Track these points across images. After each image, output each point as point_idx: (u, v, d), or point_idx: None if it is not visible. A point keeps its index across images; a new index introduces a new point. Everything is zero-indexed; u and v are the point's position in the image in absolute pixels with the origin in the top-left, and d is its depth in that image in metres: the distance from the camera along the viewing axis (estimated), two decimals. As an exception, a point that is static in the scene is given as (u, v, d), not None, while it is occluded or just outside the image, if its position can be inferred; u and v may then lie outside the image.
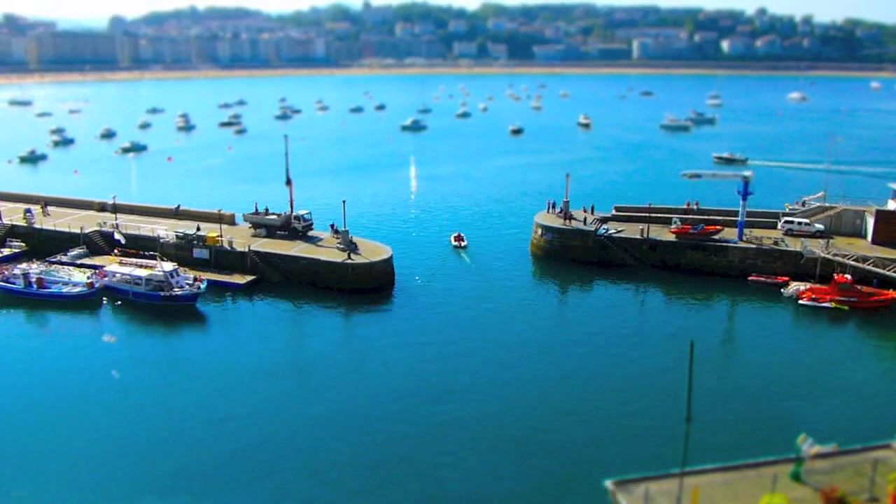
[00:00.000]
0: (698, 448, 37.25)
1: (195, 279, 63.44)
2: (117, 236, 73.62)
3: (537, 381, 48.91)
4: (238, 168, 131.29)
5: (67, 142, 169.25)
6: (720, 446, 38.62)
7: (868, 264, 63.98)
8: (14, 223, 78.80)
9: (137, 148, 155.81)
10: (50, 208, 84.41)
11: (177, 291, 61.25)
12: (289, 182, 75.52)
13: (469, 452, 40.46)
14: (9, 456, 39.93)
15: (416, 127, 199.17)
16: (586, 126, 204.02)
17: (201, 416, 44.21)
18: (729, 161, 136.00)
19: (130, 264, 65.71)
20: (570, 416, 44.31)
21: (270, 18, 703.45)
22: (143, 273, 62.73)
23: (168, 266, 62.75)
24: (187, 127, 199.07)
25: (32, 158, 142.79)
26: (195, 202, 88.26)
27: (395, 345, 55.02)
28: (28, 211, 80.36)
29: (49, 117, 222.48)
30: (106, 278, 64.11)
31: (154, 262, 64.22)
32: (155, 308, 60.91)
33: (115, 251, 71.99)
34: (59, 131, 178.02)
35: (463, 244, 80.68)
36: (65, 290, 63.10)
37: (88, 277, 64.35)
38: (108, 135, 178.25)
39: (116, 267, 65.40)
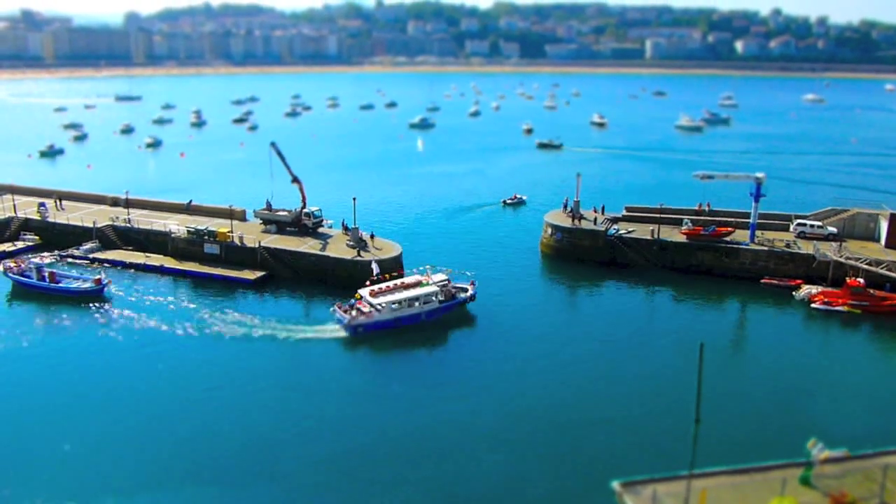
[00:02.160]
0: (707, 450, 37.22)
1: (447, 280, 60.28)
2: (374, 266, 62.97)
3: (545, 380, 48.82)
4: (249, 164, 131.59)
5: (86, 137, 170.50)
6: (729, 449, 38.46)
7: (881, 268, 63.46)
8: (28, 217, 79.48)
9: (158, 144, 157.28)
10: (63, 202, 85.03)
11: (463, 295, 59.32)
12: (295, 180, 75.65)
13: (476, 451, 40.44)
14: (25, 448, 40.35)
15: (424, 125, 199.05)
16: (601, 125, 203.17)
17: (207, 413, 44.38)
18: (547, 146, 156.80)
19: (387, 290, 57.84)
20: (578, 416, 44.20)
21: (284, 15, 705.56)
22: (430, 289, 58.19)
23: (439, 276, 60.26)
24: (199, 123, 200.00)
25: (51, 153, 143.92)
26: (206, 198, 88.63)
27: (402, 342, 55.04)
28: (41, 205, 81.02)
29: (64, 112, 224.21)
30: (378, 314, 55.41)
31: (408, 279, 60.39)
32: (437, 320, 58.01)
33: (367, 283, 60.19)
34: (77, 126, 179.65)
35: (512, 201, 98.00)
36: (74, 285, 63.74)
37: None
38: (128, 130, 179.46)
39: (374, 298, 56.79)
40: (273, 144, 76.06)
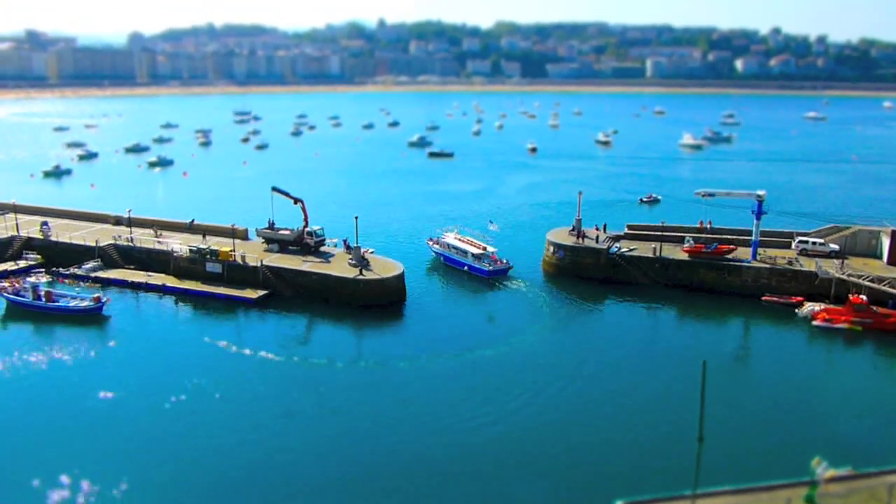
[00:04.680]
0: (710, 469, 36.80)
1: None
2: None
3: (547, 399, 48.60)
4: (252, 183, 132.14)
5: (91, 156, 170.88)
6: (733, 468, 38.17)
7: (884, 285, 63.31)
8: (31, 236, 79.67)
9: (164, 163, 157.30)
10: (67, 221, 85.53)
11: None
12: (297, 201, 76.11)
13: (478, 471, 40.19)
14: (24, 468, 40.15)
15: (422, 143, 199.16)
16: (606, 144, 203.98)
17: (208, 433, 44.17)
18: (439, 155, 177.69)
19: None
20: (581, 436, 43.94)
21: (286, 35, 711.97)
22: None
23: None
24: (207, 143, 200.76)
25: (57, 173, 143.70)
26: (209, 217, 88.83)
27: (405, 362, 54.91)
28: (44, 224, 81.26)
29: (66, 132, 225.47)
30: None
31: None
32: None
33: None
34: (80, 145, 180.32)
35: (648, 199, 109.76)
36: (71, 304, 63.47)
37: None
38: (136, 149, 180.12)
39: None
40: (274, 188, 77.89)
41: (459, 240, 78.46)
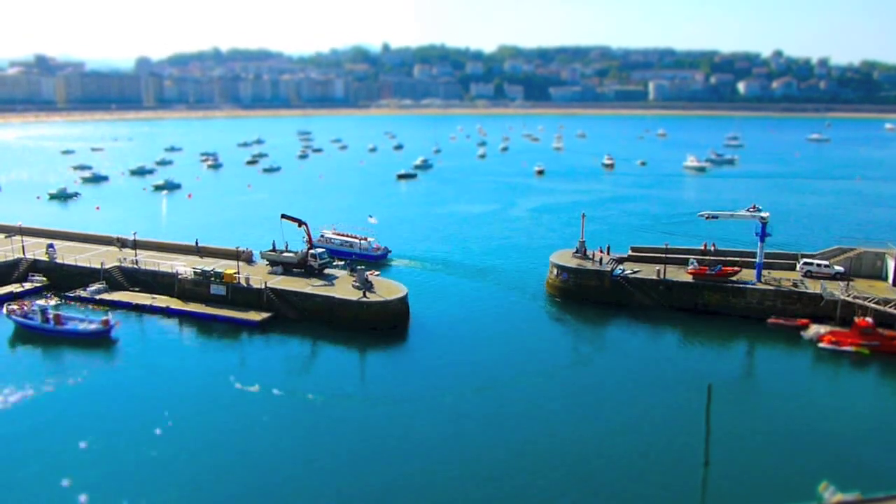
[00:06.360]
0: (716, 494, 36.64)
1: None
2: None
3: (550, 423, 48.31)
4: (259, 206, 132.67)
5: (98, 179, 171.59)
6: (738, 493, 37.85)
7: (890, 307, 63.02)
8: (36, 258, 80.00)
9: (171, 186, 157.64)
10: (72, 244, 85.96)
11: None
12: (301, 224, 76.46)
13: (479, 495, 39.86)
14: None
15: (424, 166, 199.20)
16: (609, 166, 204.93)
17: (210, 455, 44.02)
18: (405, 176, 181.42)
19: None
20: (584, 459, 43.60)
21: (291, 60, 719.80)
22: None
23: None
24: (216, 165, 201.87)
25: (62, 196, 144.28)
26: (213, 239, 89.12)
27: (408, 384, 54.73)
28: (50, 246, 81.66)
29: (73, 155, 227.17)
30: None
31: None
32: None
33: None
34: (86, 168, 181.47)
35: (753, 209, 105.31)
36: (80, 327, 63.50)
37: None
38: (141, 172, 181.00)
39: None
40: (283, 215, 79.06)
41: (340, 234, 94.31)
